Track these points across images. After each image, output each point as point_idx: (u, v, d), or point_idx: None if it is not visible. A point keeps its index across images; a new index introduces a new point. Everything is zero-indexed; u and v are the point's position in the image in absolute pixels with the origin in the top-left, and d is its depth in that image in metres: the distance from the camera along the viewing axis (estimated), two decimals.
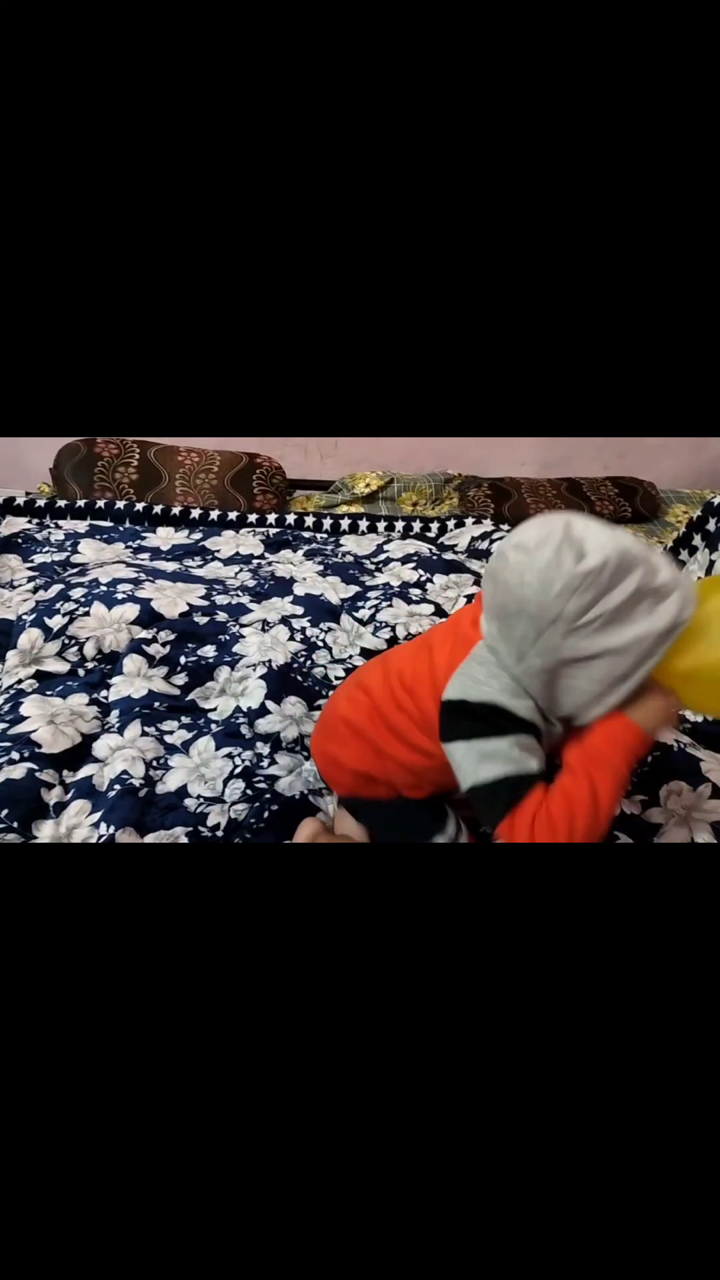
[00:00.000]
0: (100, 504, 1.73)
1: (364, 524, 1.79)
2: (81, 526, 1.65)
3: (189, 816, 0.89)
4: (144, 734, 1.00)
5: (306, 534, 1.74)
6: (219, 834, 0.88)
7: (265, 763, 0.97)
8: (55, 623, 1.19)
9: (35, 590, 1.31)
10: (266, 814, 0.90)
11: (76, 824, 0.87)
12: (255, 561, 1.57)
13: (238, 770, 0.96)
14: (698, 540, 1.47)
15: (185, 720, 1.05)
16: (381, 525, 1.80)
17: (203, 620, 1.27)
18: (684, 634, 0.58)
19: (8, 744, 0.95)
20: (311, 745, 0.89)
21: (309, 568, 1.51)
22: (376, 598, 1.38)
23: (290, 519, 1.79)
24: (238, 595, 1.37)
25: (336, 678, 1.17)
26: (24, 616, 1.21)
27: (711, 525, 1.43)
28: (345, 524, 1.79)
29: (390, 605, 1.35)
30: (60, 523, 1.67)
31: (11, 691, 1.07)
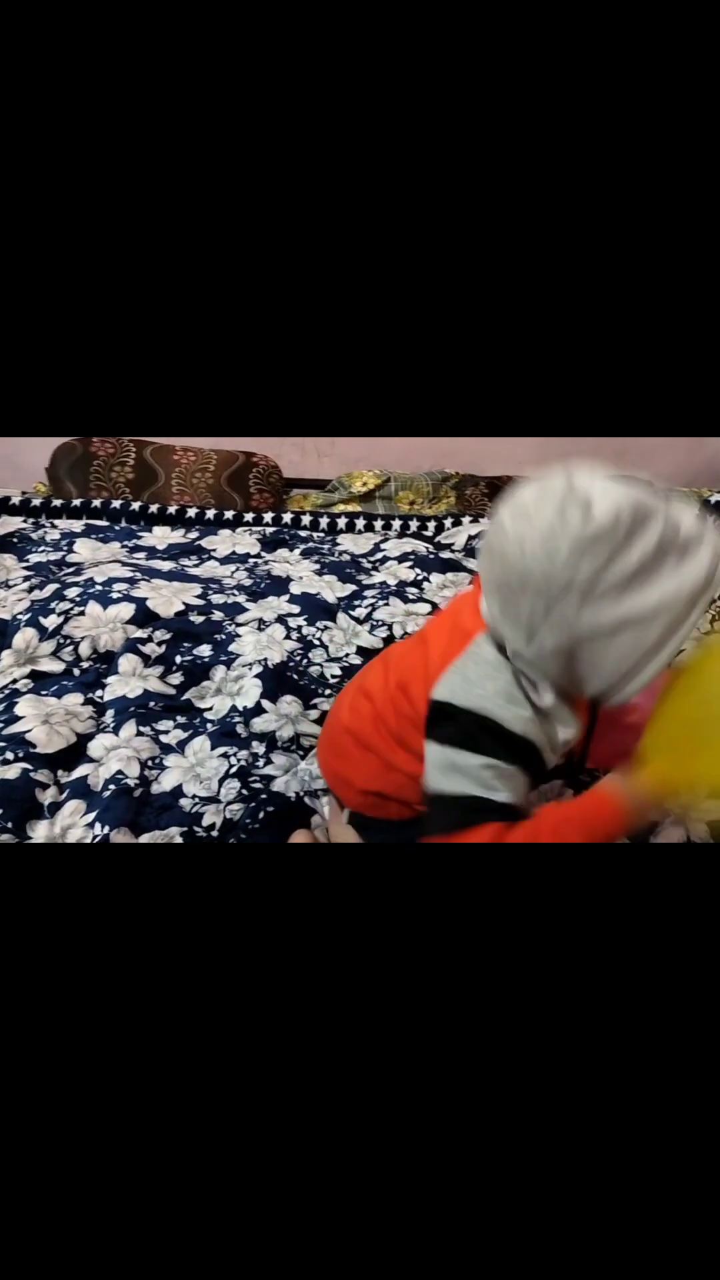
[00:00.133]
0: (96, 503, 1.72)
1: (361, 523, 1.79)
2: (77, 526, 1.64)
3: (184, 816, 0.89)
4: (139, 734, 1.00)
5: (303, 533, 1.74)
6: (214, 834, 0.87)
7: (261, 762, 0.97)
8: (50, 622, 1.19)
9: (30, 590, 1.30)
10: (262, 814, 0.89)
11: (71, 824, 0.87)
12: (252, 560, 1.56)
13: (233, 770, 0.95)
14: None
15: (181, 720, 1.04)
16: (379, 524, 1.79)
17: (198, 619, 1.26)
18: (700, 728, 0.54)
19: (2, 744, 0.95)
20: (319, 762, 0.85)
21: (305, 566, 1.51)
22: (373, 596, 1.37)
23: (287, 518, 1.79)
24: (234, 594, 1.37)
25: (333, 676, 1.16)
26: (19, 616, 1.20)
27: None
28: (342, 523, 1.79)
29: (387, 604, 1.35)
30: (56, 522, 1.66)
31: (6, 691, 1.07)
